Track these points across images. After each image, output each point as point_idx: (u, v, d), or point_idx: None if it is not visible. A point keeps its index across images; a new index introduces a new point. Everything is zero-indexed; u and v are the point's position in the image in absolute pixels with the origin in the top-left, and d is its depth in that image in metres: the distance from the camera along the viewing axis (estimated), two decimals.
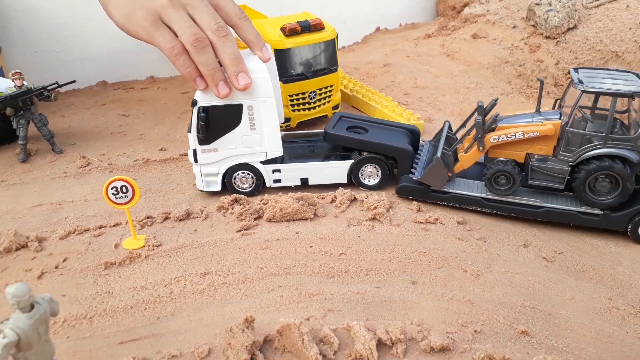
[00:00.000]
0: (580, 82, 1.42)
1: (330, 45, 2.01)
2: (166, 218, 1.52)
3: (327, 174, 1.64)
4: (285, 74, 1.94)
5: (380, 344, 1.05)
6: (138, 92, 2.50)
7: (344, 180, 1.65)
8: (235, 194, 1.58)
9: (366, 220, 1.46)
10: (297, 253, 1.35)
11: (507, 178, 1.50)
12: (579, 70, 1.51)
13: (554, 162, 1.48)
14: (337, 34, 2.02)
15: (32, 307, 0.82)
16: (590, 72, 1.51)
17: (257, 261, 1.32)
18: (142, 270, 1.31)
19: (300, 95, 1.99)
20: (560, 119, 1.48)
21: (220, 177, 1.59)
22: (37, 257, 1.36)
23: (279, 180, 1.63)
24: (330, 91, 2.06)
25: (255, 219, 1.49)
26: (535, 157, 1.50)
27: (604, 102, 1.47)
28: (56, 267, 1.32)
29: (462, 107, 2.22)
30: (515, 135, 1.48)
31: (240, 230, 1.44)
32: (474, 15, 2.84)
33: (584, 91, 1.41)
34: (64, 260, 1.34)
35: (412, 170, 1.62)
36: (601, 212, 1.48)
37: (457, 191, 1.55)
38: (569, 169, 1.46)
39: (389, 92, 2.34)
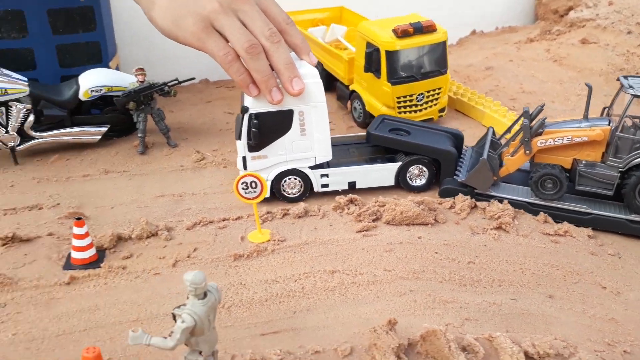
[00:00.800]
0: (631, 87, 1.40)
1: (441, 48, 1.98)
2: (285, 214, 1.54)
3: (374, 177, 1.63)
4: (395, 75, 1.93)
5: (527, 357, 1.01)
6: (240, 91, 2.56)
7: (392, 182, 1.64)
8: (350, 195, 1.58)
9: (491, 229, 1.42)
10: (423, 258, 1.33)
11: (554, 182, 1.47)
12: (629, 78, 1.48)
13: (602, 168, 1.45)
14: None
15: (205, 294, 0.85)
16: (634, 79, 1.47)
17: (383, 263, 1.31)
18: (270, 263, 1.33)
19: (408, 97, 1.97)
20: (609, 125, 1.45)
21: (269, 183, 1.58)
22: (167, 245, 1.42)
23: (326, 185, 1.62)
24: (438, 94, 2.02)
25: (373, 220, 1.49)
26: (583, 162, 1.47)
27: None
28: (188, 257, 1.37)
29: (574, 115, 2.13)
30: (562, 140, 1.46)
31: (360, 231, 1.44)
32: (581, 19, 2.72)
33: (634, 95, 1.38)
34: (194, 250, 1.39)
35: (456, 173, 1.61)
36: None
37: (501, 195, 1.53)
38: (619, 175, 1.42)
39: (494, 96, 2.28)
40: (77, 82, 1.87)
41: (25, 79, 1.79)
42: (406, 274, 1.27)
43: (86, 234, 1.34)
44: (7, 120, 1.78)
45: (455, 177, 1.60)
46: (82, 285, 1.27)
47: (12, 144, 1.81)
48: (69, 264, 1.34)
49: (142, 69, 1.86)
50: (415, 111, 2.00)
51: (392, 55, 1.91)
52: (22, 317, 1.16)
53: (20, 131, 1.81)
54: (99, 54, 2.06)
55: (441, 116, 2.07)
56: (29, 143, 1.84)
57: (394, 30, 1.90)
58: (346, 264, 1.32)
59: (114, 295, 1.23)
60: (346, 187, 1.63)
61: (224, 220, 1.52)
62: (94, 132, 1.90)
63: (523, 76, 2.42)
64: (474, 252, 1.35)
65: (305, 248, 1.39)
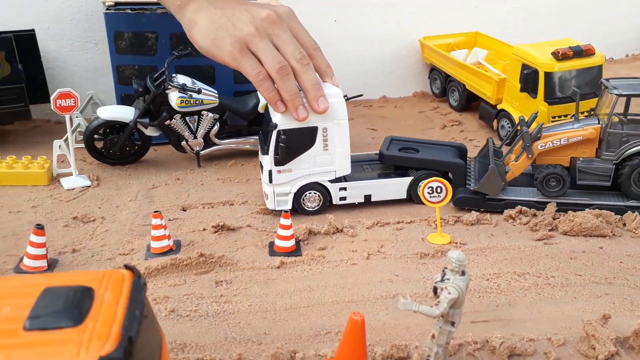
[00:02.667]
0: (615, 87, 1.57)
1: (598, 71, 2.03)
2: (457, 221, 1.64)
3: (388, 190, 1.72)
4: (552, 95, 2.01)
5: None
6: (377, 109, 2.71)
7: (404, 196, 1.73)
8: (520, 206, 1.66)
9: None
10: (610, 266, 1.38)
11: (557, 180, 1.60)
12: (610, 80, 1.66)
13: (598, 162, 1.61)
14: None
15: (463, 272, 0.97)
16: (620, 81, 1.65)
17: (572, 269, 1.38)
18: None
19: (563, 118, 2.03)
20: (599, 123, 1.60)
21: (291, 196, 1.67)
22: (354, 241, 1.56)
23: (344, 198, 1.71)
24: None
25: (549, 230, 1.56)
26: (581, 159, 1.60)
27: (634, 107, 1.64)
28: (378, 251, 1.50)
29: None
30: (560, 141, 1.61)
31: (540, 239, 1.51)
32: None
33: (619, 95, 1.55)
34: (381, 246, 1.52)
35: (467, 182, 1.69)
36: None
37: (511, 197, 1.63)
38: (613, 167, 1.58)
39: None
40: (257, 96, 2.09)
41: (216, 92, 2.03)
42: (598, 279, 1.33)
43: (290, 226, 1.51)
44: (197, 128, 2.02)
45: (467, 186, 1.70)
46: (291, 270, 1.43)
47: (198, 149, 2.04)
48: (273, 251, 1.51)
49: None
50: None
51: (550, 76, 1.99)
52: (250, 292, 1.33)
53: (206, 137, 2.05)
54: None
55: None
56: (210, 148, 2.07)
57: (554, 53, 1.98)
58: (534, 268, 1.39)
59: (323, 280, 1.38)
60: (362, 199, 1.73)
61: (398, 223, 1.64)
62: None
63: None
64: None
65: (488, 252, 1.48)
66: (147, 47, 2.11)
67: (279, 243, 1.51)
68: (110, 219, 1.66)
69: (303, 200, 1.69)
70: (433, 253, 1.48)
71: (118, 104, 2.16)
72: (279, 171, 1.63)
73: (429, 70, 2.78)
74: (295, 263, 1.45)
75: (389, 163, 1.79)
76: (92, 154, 2.00)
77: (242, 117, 2.09)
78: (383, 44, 2.78)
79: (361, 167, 1.84)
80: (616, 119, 1.61)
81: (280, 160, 1.61)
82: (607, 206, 1.59)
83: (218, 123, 2.03)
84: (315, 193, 1.69)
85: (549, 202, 1.62)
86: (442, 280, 0.98)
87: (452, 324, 0.98)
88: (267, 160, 1.62)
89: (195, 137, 2.03)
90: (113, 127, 2.00)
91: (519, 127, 1.70)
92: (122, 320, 0.64)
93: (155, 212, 1.47)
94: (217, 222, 1.61)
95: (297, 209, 1.69)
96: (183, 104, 1.94)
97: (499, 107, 2.23)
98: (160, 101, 1.94)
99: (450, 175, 1.73)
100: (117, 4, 2.06)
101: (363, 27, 2.72)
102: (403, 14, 2.76)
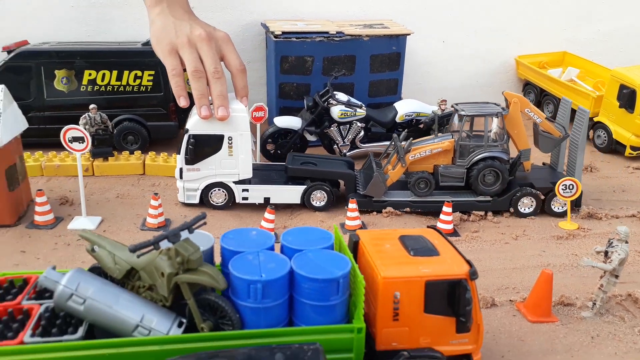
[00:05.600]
0: (463, 110, 2.02)
1: None
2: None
3: (285, 195, 2.01)
4: None
5: None
6: None
7: (298, 201, 2.03)
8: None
9: None
10: None
11: (425, 182, 2.01)
12: (459, 104, 2.08)
13: (454, 167, 2.03)
14: None
15: (626, 241, 1.40)
16: (465, 105, 2.07)
17: None
18: (586, 244, 1.86)
19: None
20: (452, 138, 2.03)
21: (199, 192, 1.96)
22: (499, 227, 1.99)
23: (246, 198, 2.00)
24: None
25: None
26: (441, 166, 2.03)
27: (477, 125, 2.07)
28: (523, 234, 1.92)
29: None
30: (426, 152, 2.02)
31: None
32: None
33: (465, 115, 1.99)
34: (524, 231, 1.94)
35: (357, 188, 2.04)
36: (491, 198, 2.01)
37: (392, 199, 2.02)
38: (465, 170, 2.02)
39: None
40: (395, 108, 2.55)
41: (363, 104, 2.49)
42: None
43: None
44: (347, 134, 2.49)
45: (357, 191, 2.04)
46: (470, 244, 1.87)
47: (345, 151, 2.51)
48: None
49: (444, 100, 2.50)
50: None
51: None
52: None
53: (352, 142, 2.51)
54: (395, 88, 2.75)
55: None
56: (354, 151, 2.53)
57: None
58: None
59: (486, 253, 1.81)
60: (262, 201, 2.00)
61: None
62: None
63: None
64: None
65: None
66: (304, 68, 2.59)
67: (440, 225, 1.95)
68: None
69: (210, 196, 1.99)
70: (566, 236, 1.91)
71: (277, 115, 2.64)
72: (189, 169, 1.92)
73: (523, 85, 3.20)
74: (457, 241, 1.89)
75: (293, 174, 2.07)
76: (264, 154, 2.49)
77: (382, 126, 2.55)
78: (483, 61, 3.21)
79: (269, 174, 2.13)
80: (464, 135, 2.03)
81: (189, 160, 1.89)
82: (463, 202, 2.01)
83: (363, 131, 2.50)
84: (221, 190, 1.99)
85: (420, 200, 2.02)
86: (610, 246, 1.41)
87: (617, 277, 1.41)
88: (179, 159, 1.93)
89: (343, 143, 2.49)
90: (280, 133, 2.48)
91: (393, 143, 2.10)
92: (461, 254, 1.11)
93: None
94: None
95: (205, 203, 1.99)
96: (343, 115, 2.41)
97: (595, 119, 2.63)
98: (323, 113, 2.42)
99: (342, 183, 2.08)
100: (284, 33, 2.55)
101: (466, 46, 3.15)
102: (500, 35, 3.18)
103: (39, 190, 1.81)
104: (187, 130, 1.88)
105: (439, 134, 2.14)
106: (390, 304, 1.03)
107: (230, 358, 0.82)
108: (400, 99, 2.76)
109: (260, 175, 2.08)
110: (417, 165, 2.07)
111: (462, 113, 2.03)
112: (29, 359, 0.92)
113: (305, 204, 2.05)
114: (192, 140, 1.87)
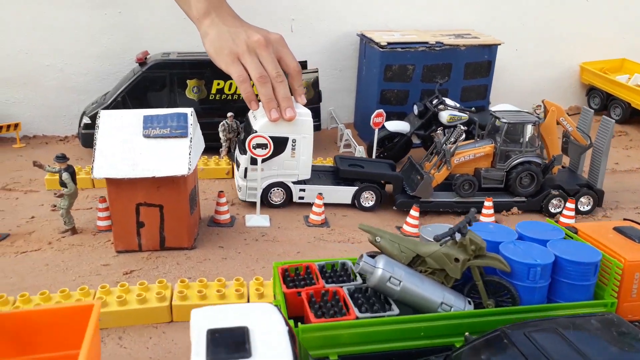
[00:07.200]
0: (503, 117, 2.18)
1: None
2: None
3: (337, 195, 2.13)
4: None
5: None
6: None
7: (349, 201, 2.15)
8: None
9: None
10: None
11: (469, 184, 2.16)
12: (496, 112, 2.26)
13: (495, 170, 2.19)
14: None
15: None
16: (504, 113, 2.25)
17: None
18: None
19: None
20: (492, 143, 2.20)
21: (260, 191, 2.01)
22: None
23: (302, 197, 2.10)
24: None
25: None
26: (483, 169, 2.19)
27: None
28: None
29: None
30: (470, 156, 2.19)
31: None
32: None
33: (507, 122, 2.15)
34: None
35: (406, 189, 2.17)
36: (526, 199, 2.18)
37: (437, 199, 2.16)
38: (505, 173, 2.18)
39: None
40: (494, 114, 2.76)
41: (465, 108, 2.70)
42: None
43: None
44: (450, 136, 2.70)
45: (405, 192, 2.15)
46: None
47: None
48: None
49: (539, 106, 2.73)
50: None
51: None
52: None
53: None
54: (485, 93, 2.97)
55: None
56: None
57: None
58: None
59: None
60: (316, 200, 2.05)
61: None
62: None
63: None
64: None
65: None
66: (405, 76, 2.79)
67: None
68: None
69: (270, 195, 2.08)
70: None
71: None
72: (253, 169, 1.98)
73: (587, 90, 3.45)
74: None
75: (344, 176, 2.17)
76: (369, 156, 2.68)
77: (483, 129, 2.76)
78: (549, 67, 3.46)
79: (317, 175, 2.21)
80: (504, 140, 2.17)
81: (254, 160, 1.94)
82: (502, 202, 2.16)
83: (464, 133, 2.71)
84: (280, 189, 2.08)
85: (463, 201, 2.15)
86: None
87: None
88: (244, 159, 2.00)
89: (446, 144, 2.70)
90: (387, 137, 2.68)
91: (435, 146, 2.25)
92: None
93: None
94: None
95: (264, 202, 2.06)
96: (451, 119, 2.62)
97: None
98: (431, 118, 2.63)
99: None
100: (389, 43, 2.75)
101: (536, 54, 3.39)
102: (565, 43, 3.43)
103: (220, 191, 1.98)
104: (255, 132, 1.95)
105: (478, 140, 2.29)
106: (631, 282, 1.25)
107: (555, 324, 1.02)
108: (488, 103, 2.98)
109: (312, 176, 2.15)
110: (460, 168, 2.21)
111: (503, 120, 2.19)
112: (363, 331, 1.11)
113: (355, 204, 2.16)
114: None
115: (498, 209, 2.18)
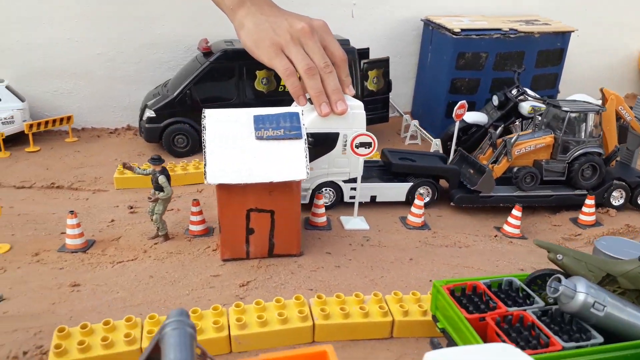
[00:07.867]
0: (566, 107, 2.03)
1: None
2: None
3: (391, 193, 1.96)
4: None
5: None
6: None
7: (403, 199, 1.98)
8: None
9: None
10: None
11: (532, 177, 2.03)
12: (559, 101, 2.10)
13: (556, 162, 2.06)
14: None
15: None
16: (564, 102, 2.10)
17: None
18: None
19: None
20: (552, 133, 2.05)
21: (310, 192, 1.85)
22: None
23: (353, 197, 1.88)
24: None
25: None
26: (544, 161, 2.05)
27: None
28: None
29: None
30: (531, 147, 2.05)
31: None
32: None
33: (569, 112, 2.02)
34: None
35: (464, 183, 2.01)
36: (587, 192, 2.05)
37: (498, 194, 2.01)
38: (567, 165, 2.05)
39: None
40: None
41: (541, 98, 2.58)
42: None
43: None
44: (527, 128, 2.58)
45: (464, 186, 2.00)
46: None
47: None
48: None
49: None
50: None
51: None
52: None
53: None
54: (554, 82, 2.85)
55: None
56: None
57: None
58: None
59: None
60: (369, 199, 1.94)
61: None
62: None
63: None
64: None
65: None
66: (478, 64, 2.66)
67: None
68: None
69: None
70: None
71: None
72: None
73: None
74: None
75: (397, 170, 1.99)
76: (443, 150, 2.55)
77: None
78: (606, 54, 3.34)
79: (369, 171, 2.03)
80: (566, 131, 2.03)
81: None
82: (563, 195, 2.04)
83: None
84: (330, 190, 1.90)
85: (523, 195, 2.01)
86: None
87: None
88: None
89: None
90: (462, 129, 2.55)
91: (490, 138, 2.13)
92: None
93: None
94: None
95: (310, 204, 1.85)
96: (532, 111, 2.49)
97: None
98: (511, 109, 2.50)
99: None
100: (463, 30, 2.60)
101: (596, 40, 3.27)
102: (624, 30, 3.31)
103: (318, 192, 1.85)
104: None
105: (537, 131, 2.13)
106: None
107: None
108: (558, 92, 2.86)
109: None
110: (519, 160, 2.07)
111: (565, 109, 2.04)
112: None
113: (409, 201, 1.96)
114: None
115: (560, 202, 2.08)
